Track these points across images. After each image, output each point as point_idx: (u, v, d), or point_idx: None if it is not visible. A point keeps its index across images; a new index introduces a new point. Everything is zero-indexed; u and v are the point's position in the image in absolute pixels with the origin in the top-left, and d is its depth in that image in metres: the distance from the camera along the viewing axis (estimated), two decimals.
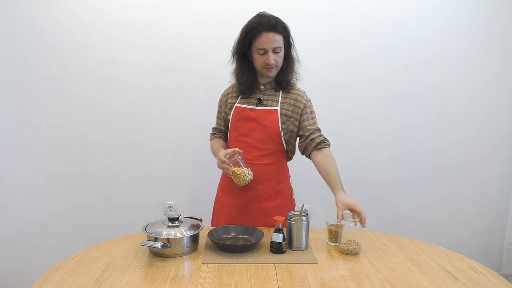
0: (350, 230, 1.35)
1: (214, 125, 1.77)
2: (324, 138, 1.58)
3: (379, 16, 2.26)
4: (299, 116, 1.60)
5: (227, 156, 1.48)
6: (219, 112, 1.73)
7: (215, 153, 1.65)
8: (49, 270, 1.20)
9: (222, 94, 1.72)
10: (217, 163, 1.53)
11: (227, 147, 1.68)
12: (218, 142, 1.69)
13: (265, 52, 1.50)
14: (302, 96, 1.62)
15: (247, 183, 1.52)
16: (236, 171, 1.48)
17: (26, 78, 2.20)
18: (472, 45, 2.31)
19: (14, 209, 2.30)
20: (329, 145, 1.58)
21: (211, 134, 1.78)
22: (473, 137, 2.40)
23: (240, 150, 1.50)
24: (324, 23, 2.24)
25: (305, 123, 1.59)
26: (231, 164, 1.48)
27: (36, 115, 2.24)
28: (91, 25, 2.18)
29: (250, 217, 1.60)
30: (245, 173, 1.50)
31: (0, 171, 2.26)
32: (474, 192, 2.45)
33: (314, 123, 1.61)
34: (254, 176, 1.54)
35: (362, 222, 1.35)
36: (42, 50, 2.18)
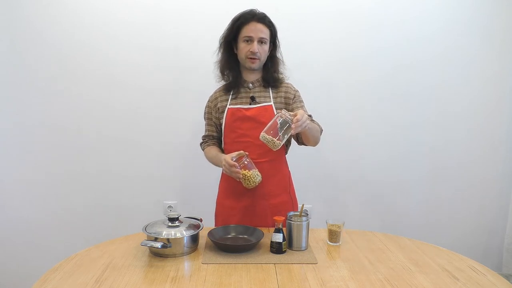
0: (282, 121, 1.35)
1: (204, 133, 1.75)
2: (313, 120, 1.59)
3: (379, 16, 2.26)
4: (290, 106, 1.62)
5: (234, 160, 1.48)
6: (208, 118, 1.71)
7: (214, 160, 1.65)
8: (49, 270, 1.20)
9: (209, 100, 1.71)
10: (224, 169, 1.53)
11: (224, 151, 1.67)
12: (214, 149, 1.67)
13: (251, 40, 1.53)
14: (290, 87, 1.66)
15: (257, 184, 1.51)
16: (246, 173, 1.47)
17: (26, 78, 2.20)
18: (472, 45, 2.31)
19: (14, 209, 2.30)
20: (320, 129, 1.59)
21: (202, 142, 1.76)
22: (473, 137, 2.40)
23: (246, 153, 1.50)
24: (324, 23, 2.24)
25: (296, 111, 1.60)
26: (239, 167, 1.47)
27: (36, 115, 2.24)
28: (91, 25, 2.18)
29: (259, 216, 1.60)
30: (255, 175, 1.49)
31: (0, 171, 2.27)
32: (474, 192, 2.45)
33: (305, 111, 1.61)
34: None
35: (292, 119, 1.33)
36: (42, 50, 2.18)
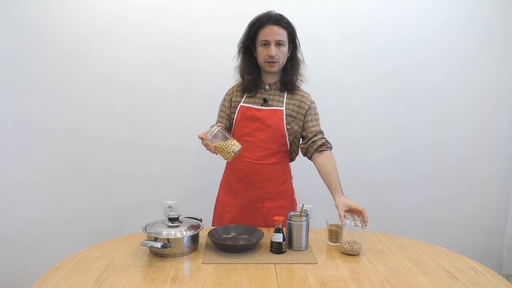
0: (351, 230, 1.35)
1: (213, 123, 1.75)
2: (326, 140, 1.58)
3: (379, 16, 2.26)
4: (303, 117, 1.60)
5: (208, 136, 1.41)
6: (222, 111, 1.70)
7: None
8: (49, 270, 1.20)
9: (226, 93, 1.71)
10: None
11: None
12: None
13: (268, 44, 1.51)
14: (306, 97, 1.63)
15: (234, 154, 1.40)
16: (217, 145, 1.39)
17: (26, 78, 2.20)
18: (472, 45, 2.31)
19: (14, 209, 2.30)
20: (330, 148, 1.58)
21: None
22: (473, 136, 2.40)
23: (217, 124, 1.45)
24: (324, 23, 2.24)
25: (309, 124, 1.60)
26: (212, 140, 1.39)
27: (36, 115, 2.24)
28: (91, 25, 2.18)
29: (252, 217, 1.60)
30: (228, 145, 1.39)
31: (0, 171, 2.26)
32: (474, 192, 2.45)
33: (318, 124, 1.61)
34: (257, 175, 1.52)
35: (364, 221, 1.35)
36: (42, 50, 2.18)
